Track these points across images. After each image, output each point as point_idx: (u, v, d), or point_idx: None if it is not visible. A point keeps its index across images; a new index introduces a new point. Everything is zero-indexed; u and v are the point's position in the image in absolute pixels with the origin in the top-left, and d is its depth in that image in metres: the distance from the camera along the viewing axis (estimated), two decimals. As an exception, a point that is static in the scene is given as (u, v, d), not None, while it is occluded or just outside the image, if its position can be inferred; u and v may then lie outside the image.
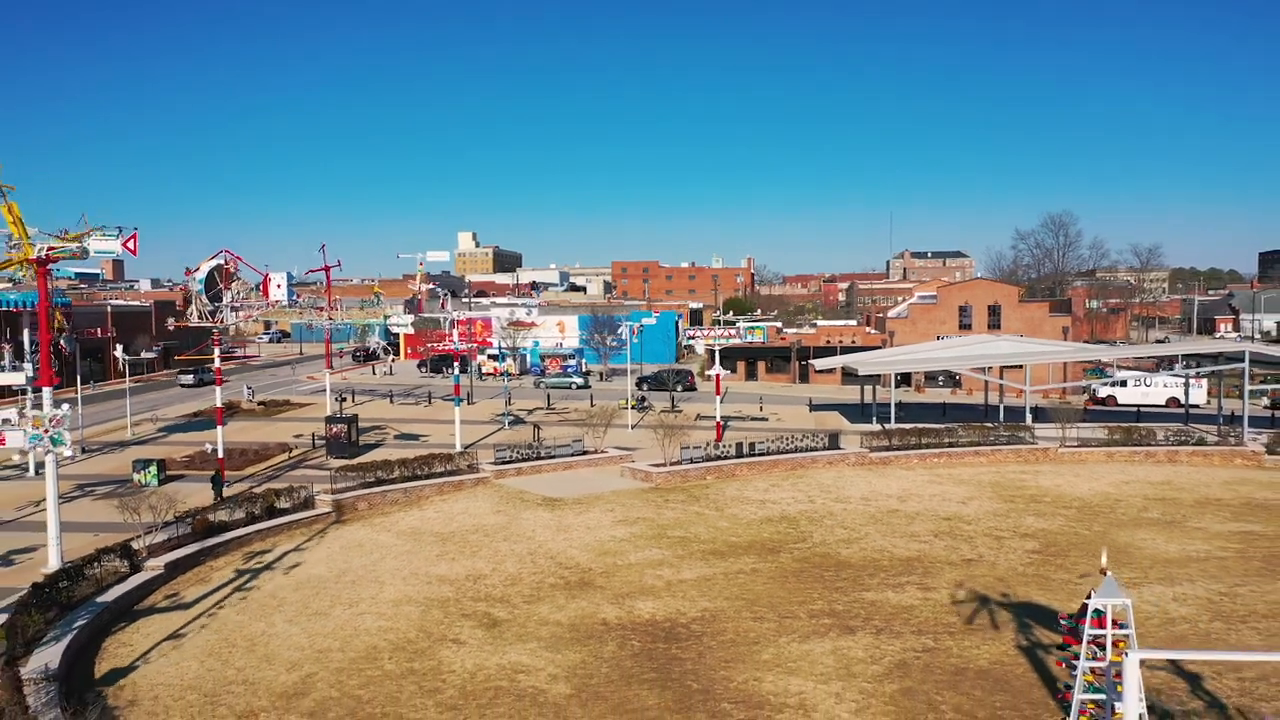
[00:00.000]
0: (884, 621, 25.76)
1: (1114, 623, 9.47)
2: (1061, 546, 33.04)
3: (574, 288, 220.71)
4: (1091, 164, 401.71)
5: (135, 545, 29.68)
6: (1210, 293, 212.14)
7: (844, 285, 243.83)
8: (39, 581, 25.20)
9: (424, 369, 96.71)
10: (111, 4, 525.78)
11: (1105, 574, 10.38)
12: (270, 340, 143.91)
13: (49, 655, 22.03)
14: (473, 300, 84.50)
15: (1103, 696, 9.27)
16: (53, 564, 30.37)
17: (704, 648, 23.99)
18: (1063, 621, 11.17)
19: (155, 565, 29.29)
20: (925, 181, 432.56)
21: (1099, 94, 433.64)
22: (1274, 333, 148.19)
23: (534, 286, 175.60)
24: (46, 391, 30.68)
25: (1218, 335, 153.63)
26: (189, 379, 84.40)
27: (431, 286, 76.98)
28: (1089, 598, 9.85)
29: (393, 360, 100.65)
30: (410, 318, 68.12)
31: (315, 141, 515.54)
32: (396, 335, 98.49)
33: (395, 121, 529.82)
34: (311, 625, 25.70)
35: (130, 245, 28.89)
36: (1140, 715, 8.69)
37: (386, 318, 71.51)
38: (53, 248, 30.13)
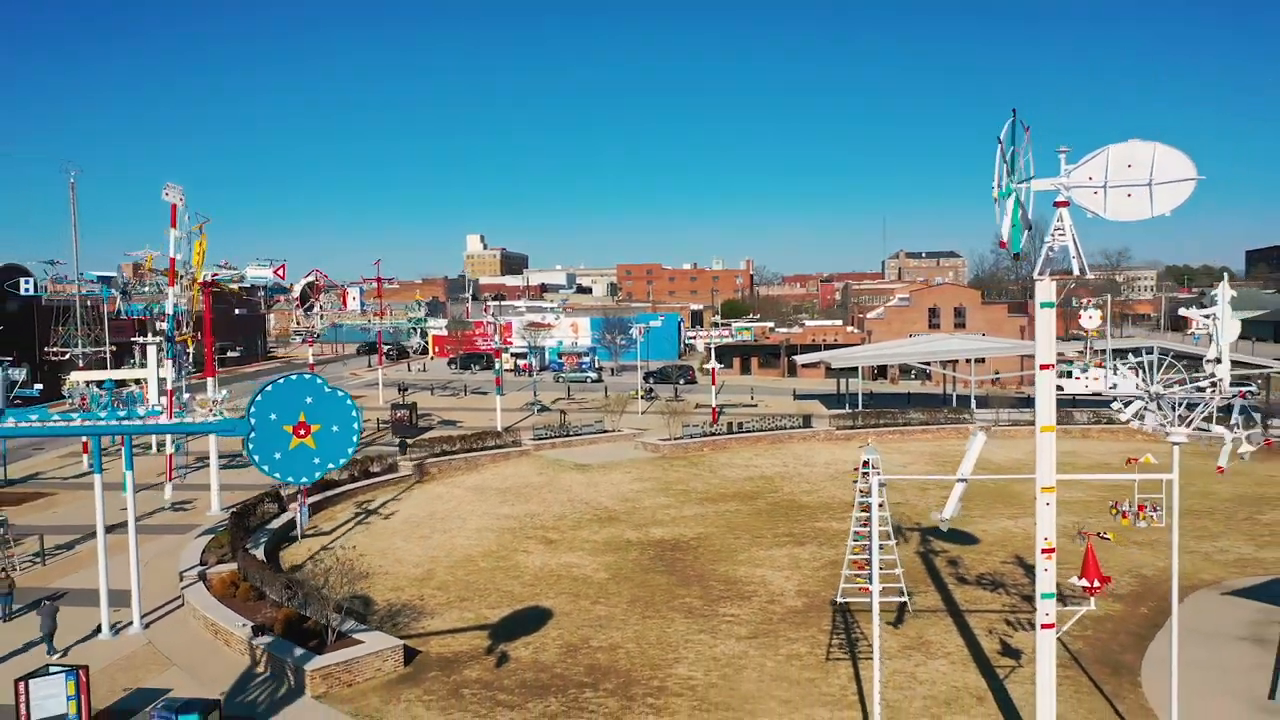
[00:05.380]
0: (826, 539, 36.40)
1: (873, 466, 20.35)
2: (968, 495, 43.52)
3: (580, 289, 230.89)
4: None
5: (281, 493, 40.42)
6: (1194, 290, 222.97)
7: (840, 285, 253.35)
8: (236, 511, 35.89)
9: (453, 366, 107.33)
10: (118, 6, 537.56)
11: (869, 444, 21.19)
12: (301, 340, 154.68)
13: (257, 554, 32.75)
14: (503, 305, 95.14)
15: (870, 499, 19.94)
16: (215, 509, 41.20)
17: (698, 554, 34.71)
18: (855, 469, 21.88)
19: (295, 508, 39.99)
20: (923, 182, 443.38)
21: (1092, 92, 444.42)
22: (1241, 330, 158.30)
23: (544, 289, 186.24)
24: (210, 380, 41.32)
25: (1188, 332, 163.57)
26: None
27: (464, 295, 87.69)
28: (862, 454, 20.66)
29: (428, 358, 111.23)
30: (444, 320, 78.86)
31: (317, 142, 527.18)
32: (427, 335, 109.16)
33: (398, 123, 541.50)
34: (421, 542, 36.45)
35: (280, 274, 39.57)
36: (880, 504, 19.64)
37: (425, 320, 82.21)
38: (216, 274, 40.77)
